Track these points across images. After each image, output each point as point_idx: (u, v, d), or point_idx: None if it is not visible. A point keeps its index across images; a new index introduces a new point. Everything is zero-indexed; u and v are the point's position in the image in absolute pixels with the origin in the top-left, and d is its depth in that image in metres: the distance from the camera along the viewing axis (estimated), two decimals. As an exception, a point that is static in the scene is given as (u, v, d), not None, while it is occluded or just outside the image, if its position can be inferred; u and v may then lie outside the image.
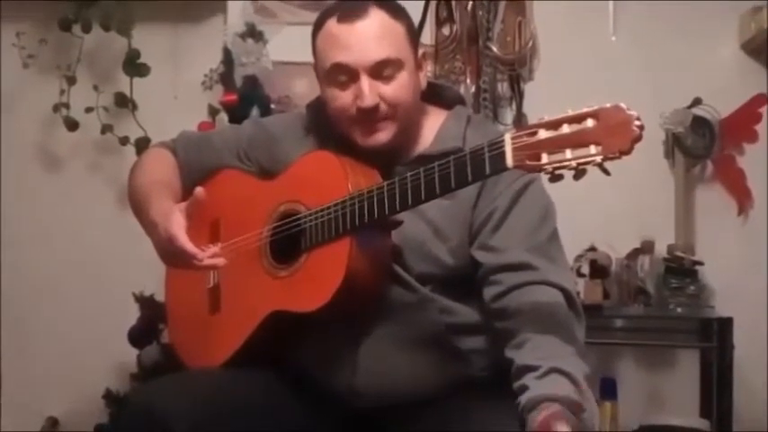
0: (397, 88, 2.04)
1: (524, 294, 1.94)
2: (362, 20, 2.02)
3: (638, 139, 1.61)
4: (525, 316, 1.91)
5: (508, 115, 3.57)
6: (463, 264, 2.03)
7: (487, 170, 1.77)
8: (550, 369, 1.82)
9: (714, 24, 3.71)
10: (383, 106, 2.03)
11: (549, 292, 1.94)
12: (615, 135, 1.62)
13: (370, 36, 2.03)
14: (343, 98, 2.06)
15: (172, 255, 2.04)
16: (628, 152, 1.61)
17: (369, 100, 2.01)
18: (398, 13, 2.08)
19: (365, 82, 2.02)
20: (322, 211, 2.02)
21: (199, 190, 2.03)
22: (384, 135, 2.06)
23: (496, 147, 1.75)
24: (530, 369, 1.83)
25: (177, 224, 2.00)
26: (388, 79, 2.03)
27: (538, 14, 3.34)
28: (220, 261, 2.04)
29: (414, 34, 2.13)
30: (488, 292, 1.98)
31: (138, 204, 2.21)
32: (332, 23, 2.05)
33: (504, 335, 1.93)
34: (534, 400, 1.77)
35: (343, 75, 2.04)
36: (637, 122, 1.61)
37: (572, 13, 3.70)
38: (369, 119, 2.04)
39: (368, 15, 2.03)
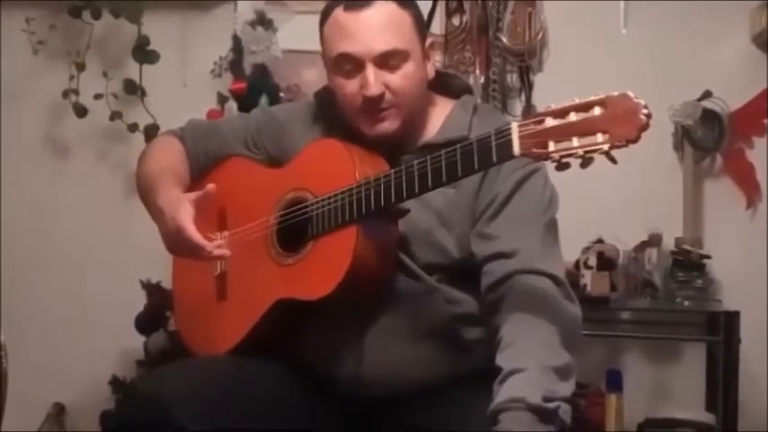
0: (403, 78, 2.04)
1: (512, 286, 1.93)
2: (369, 9, 2.02)
3: (646, 127, 1.60)
4: (508, 312, 1.91)
5: (517, 106, 3.57)
6: (468, 253, 2.03)
7: (494, 158, 1.77)
8: (510, 371, 1.82)
9: (724, 18, 3.69)
10: (388, 95, 2.03)
11: (538, 281, 1.94)
12: (622, 123, 1.61)
13: (375, 26, 2.03)
14: (349, 87, 2.06)
15: (179, 244, 2.05)
16: (635, 140, 1.61)
17: (374, 89, 2.02)
18: (406, 3, 2.08)
19: (370, 71, 2.02)
20: (329, 198, 2.02)
21: (211, 186, 2.05)
22: (389, 124, 2.06)
23: (503, 135, 1.75)
24: (498, 372, 1.84)
25: (186, 214, 2.01)
26: (393, 68, 2.03)
27: (548, 6, 3.34)
28: (227, 252, 2.05)
29: (421, 24, 2.13)
30: (482, 284, 1.99)
31: (145, 192, 2.22)
32: (339, 12, 2.05)
33: (494, 332, 1.93)
34: (493, 411, 1.79)
35: (349, 64, 2.05)
36: (644, 111, 1.61)
37: (582, 5, 3.68)
38: (374, 108, 2.04)
39: (374, 4, 2.03)
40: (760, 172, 3.66)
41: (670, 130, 3.66)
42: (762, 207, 3.67)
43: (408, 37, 2.06)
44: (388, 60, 2.03)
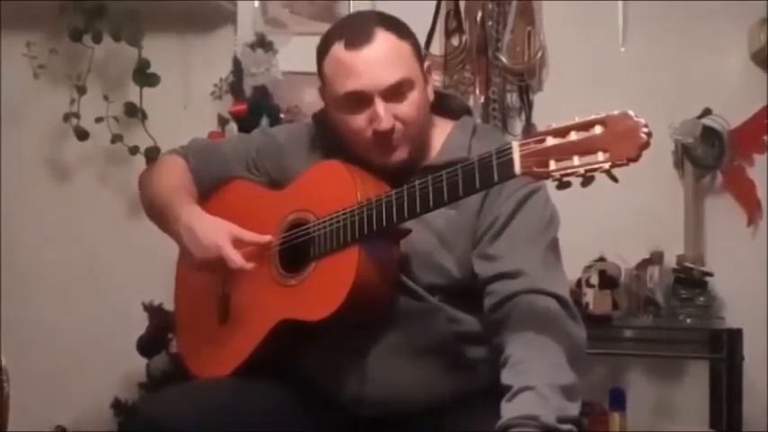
0: (410, 106, 2.05)
1: (517, 306, 1.93)
2: (370, 45, 2.02)
3: (646, 145, 1.61)
4: (514, 331, 1.91)
5: (517, 126, 3.57)
6: (470, 273, 2.03)
7: (495, 177, 1.78)
8: (520, 389, 1.82)
9: (723, 35, 3.70)
10: (398, 125, 2.04)
11: (543, 300, 1.93)
12: (623, 142, 1.62)
13: (379, 61, 2.03)
14: (357, 122, 2.06)
15: (211, 266, 2.10)
16: (635, 159, 1.61)
17: (385, 123, 2.02)
18: (403, 32, 2.08)
19: (380, 105, 2.02)
20: (330, 219, 2.02)
21: (268, 238, 2.11)
22: (401, 153, 2.07)
23: (504, 154, 1.76)
24: (506, 389, 1.84)
25: (228, 237, 2.08)
26: (401, 98, 2.03)
27: (547, 25, 3.35)
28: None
29: (419, 49, 2.13)
30: (486, 304, 1.99)
31: (159, 210, 2.23)
32: (338, 49, 2.04)
33: (497, 351, 1.93)
34: (503, 427, 1.78)
35: (357, 101, 2.04)
36: (644, 129, 1.61)
37: (581, 23, 3.69)
38: (386, 140, 2.04)
39: (374, 39, 2.03)
40: (760, 189, 3.66)
41: (670, 148, 3.66)
42: (763, 224, 3.67)
43: (411, 65, 2.06)
44: (395, 92, 2.03)
